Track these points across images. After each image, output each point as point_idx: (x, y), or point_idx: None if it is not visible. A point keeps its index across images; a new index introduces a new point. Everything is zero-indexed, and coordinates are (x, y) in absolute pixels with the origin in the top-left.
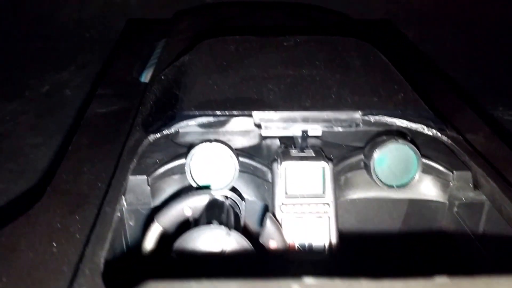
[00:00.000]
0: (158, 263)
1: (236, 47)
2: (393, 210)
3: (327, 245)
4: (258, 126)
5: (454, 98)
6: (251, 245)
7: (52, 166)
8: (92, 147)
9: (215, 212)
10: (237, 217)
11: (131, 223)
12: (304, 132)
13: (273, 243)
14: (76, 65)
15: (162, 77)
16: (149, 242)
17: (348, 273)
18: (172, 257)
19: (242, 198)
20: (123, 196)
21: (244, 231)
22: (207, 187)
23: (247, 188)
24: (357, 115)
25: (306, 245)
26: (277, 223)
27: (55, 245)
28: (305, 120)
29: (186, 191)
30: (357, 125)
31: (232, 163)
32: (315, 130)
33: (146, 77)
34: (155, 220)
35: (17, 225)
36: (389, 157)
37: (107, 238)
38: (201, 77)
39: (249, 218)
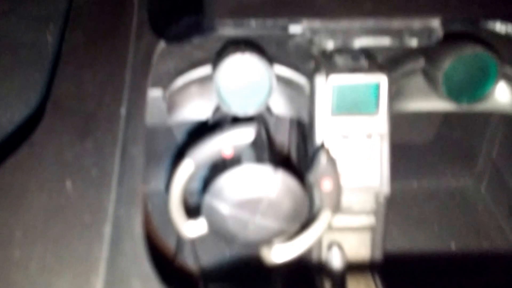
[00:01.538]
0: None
1: None
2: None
3: (378, 171)
4: (310, 41)
5: None
6: (300, 186)
7: (28, 40)
8: (91, 47)
9: (256, 147)
10: (268, 136)
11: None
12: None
13: (327, 184)
14: None
15: None
16: (180, 180)
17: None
18: (207, 199)
19: (271, 114)
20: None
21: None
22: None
23: (278, 100)
24: (436, 23)
25: (354, 173)
26: (334, 161)
27: (70, 183)
28: (369, 31)
29: (222, 123)
30: (437, 37)
31: (267, 79)
32: (382, 44)
33: None
34: (187, 156)
35: (20, 158)
36: (463, 67)
37: (135, 173)
38: None
39: (280, 136)
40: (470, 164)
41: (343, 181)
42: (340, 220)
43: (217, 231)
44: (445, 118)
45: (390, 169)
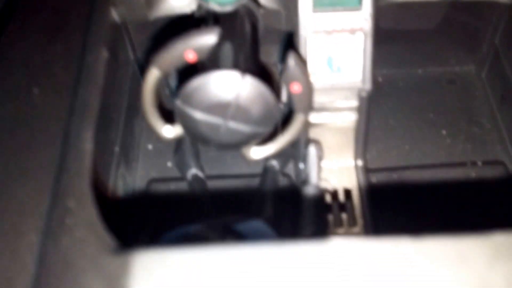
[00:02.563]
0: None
1: None
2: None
3: (361, 67)
4: None
5: None
6: (269, 91)
7: None
8: None
9: (224, 52)
10: (254, 30)
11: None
12: None
13: (296, 87)
14: None
15: None
16: (147, 88)
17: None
18: (177, 105)
19: (259, 5)
20: (112, 9)
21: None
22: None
23: None
24: None
25: (337, 69)
26: (302, 63)
27: (37, 90)
28: None
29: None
30: None
31: None
32: None
33: None
34: (151, 64)
35: None
36: None
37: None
38: None
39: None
40: (475, 51)
41: (325, 79)
42: (323, 117)
43: (192, 135)
44: (452, 3)
45: (395, 56)
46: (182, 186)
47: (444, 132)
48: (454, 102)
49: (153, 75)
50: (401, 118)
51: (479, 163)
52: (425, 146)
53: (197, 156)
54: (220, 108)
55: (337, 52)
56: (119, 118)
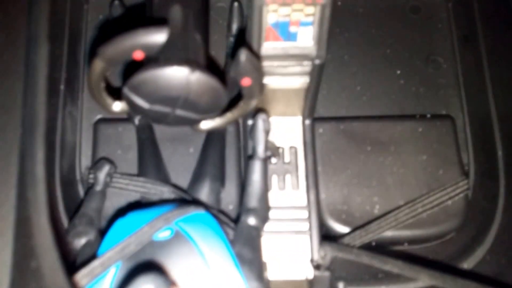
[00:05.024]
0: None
1: None
2: None
3: (317, 38)
4: None
5: None
6: (218, 83)
7: None
8: None
9: (174, 46)
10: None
11: None
12: None
13: (247, 81)
14: None
15: None
16: (93, 78)
17: None
18: (125, 92)
19: None
20: None
21: None
22: None
23: None
24: None
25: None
26: (254, 58)
27: None
28: None
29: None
30: None
31: None
32: None
33: None
34: (97, 56)
35: None
36: None
37: None
38: None
39: None
40: None
41: (278, 45)
42: (273, 80)
43: (140, 114)
44: None
45: None
46: (130, 128)
47: (398, 72)
48: (414, 35)
49: (99, 66)
50: (356, 53)
51: (428, 116)
52: (377, 88)
53: None
54: (169, 100)
55: (292, 20)
56: (62, 50)
